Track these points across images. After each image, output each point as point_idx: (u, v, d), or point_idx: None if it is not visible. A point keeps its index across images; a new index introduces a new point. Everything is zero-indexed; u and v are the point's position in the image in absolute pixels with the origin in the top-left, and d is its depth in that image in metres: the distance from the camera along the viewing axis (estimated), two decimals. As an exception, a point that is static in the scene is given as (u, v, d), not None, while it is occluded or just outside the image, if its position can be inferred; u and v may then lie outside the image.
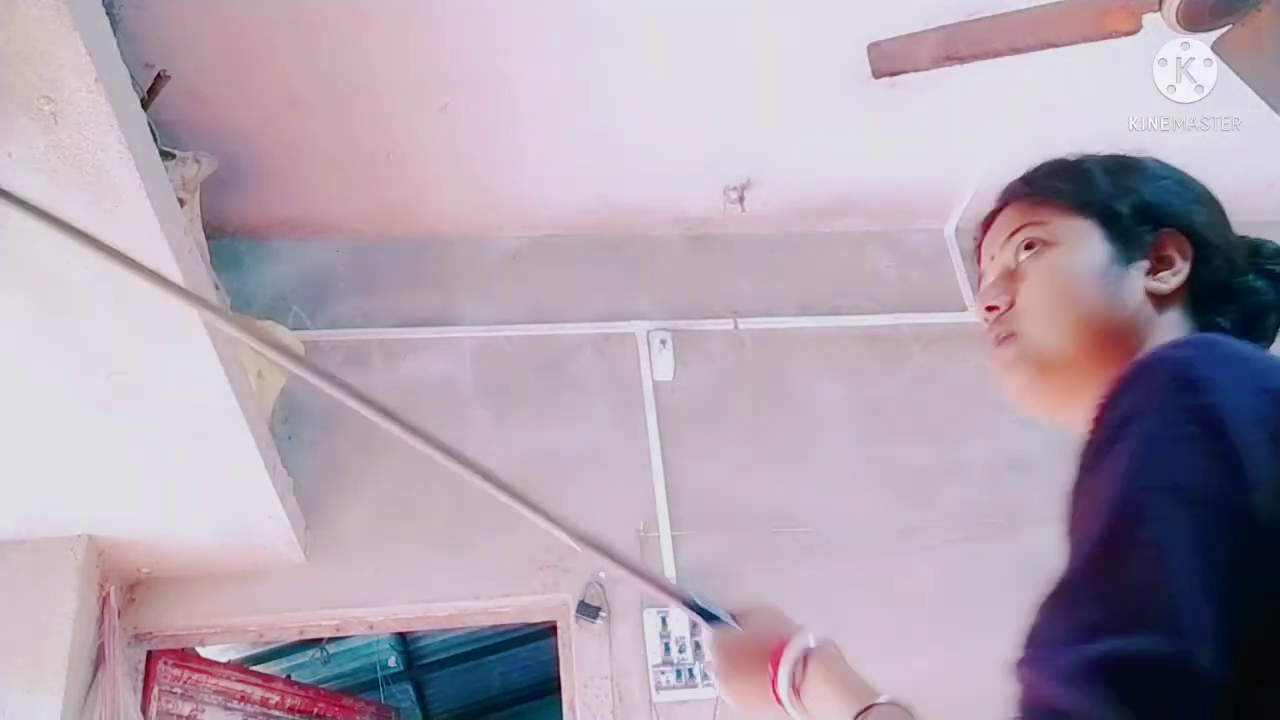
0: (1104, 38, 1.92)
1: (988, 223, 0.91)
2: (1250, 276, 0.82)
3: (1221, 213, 0.85)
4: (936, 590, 2.90)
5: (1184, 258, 0.80)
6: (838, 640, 0.99)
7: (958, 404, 3.28)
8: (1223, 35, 1.87)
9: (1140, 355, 0.68)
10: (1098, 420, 0.68)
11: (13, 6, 1.16)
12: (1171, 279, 0.79)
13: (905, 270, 3.56)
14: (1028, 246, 0.84)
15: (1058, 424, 0.83)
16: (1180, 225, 0.81)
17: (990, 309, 0.85)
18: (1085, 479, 0.66)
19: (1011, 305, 0.83)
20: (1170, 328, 0.78)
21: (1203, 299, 0.80)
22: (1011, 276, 0.85)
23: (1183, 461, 0.58)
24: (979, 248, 0.92)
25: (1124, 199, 0.83)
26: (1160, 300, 0.79)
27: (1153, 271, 0.80)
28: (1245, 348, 0.67)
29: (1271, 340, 0.84)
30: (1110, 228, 0.82)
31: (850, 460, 3.11)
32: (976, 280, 0.93)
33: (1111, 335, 0.77)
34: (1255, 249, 0.84)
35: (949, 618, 2.84)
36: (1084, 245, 0.81)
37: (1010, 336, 0.82)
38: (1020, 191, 0.89)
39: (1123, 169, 0.88)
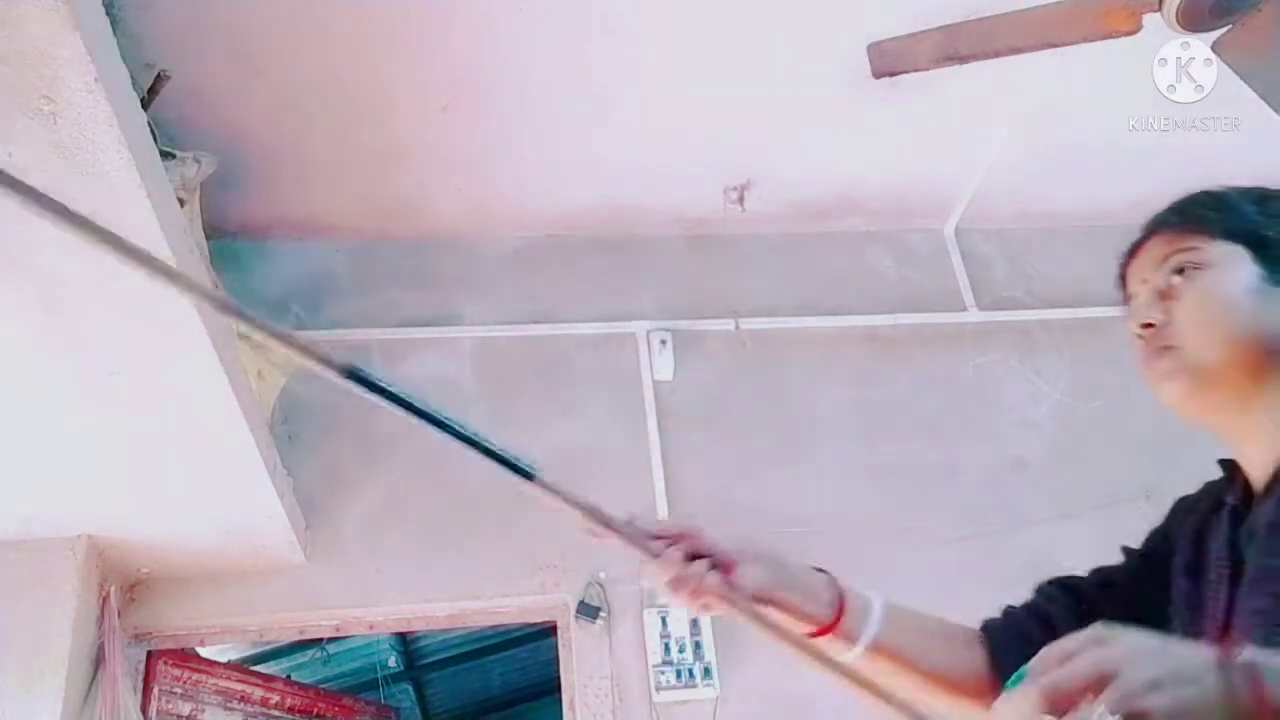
0: (1104, 38, 1.92)
1: (1134, 251, 0.99)
2: None
3: None
4: (936, 590, 2.88)
5: None
6: None
7: (958, 404, 3.29)
8: (1223, 35, 1.87)
9: None
10: None
11: (13, 6, 1.16)
12: None
13: (905, 270, 3.56)
14: (1179, 271, 0.91)
15: (1206, 427, 0.90)
16: None
17: (1147, 326, 0.93)
18: None
19: (1170, 318, 0.90)
20: None
21: None
22: (1166, 296, 0.92)
23: None
24: (1124, 275, 1.00)
25: (1271, 225, 0.90)
26: None
27: None
28: None
29: None
30: (1258, 250, 0.89)
31: (850, 460, 3.11)
32: (1125, 305, 1.01)
33: (1264, 348, 0.85)
34: None
35: (949, 618, 2.84)
36: (1235, 267, 0.89)
37: (1169, 349, 0.89)
38: (1169, 221, 0.95)
39: (1265, 198, 0.94)
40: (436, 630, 4.36)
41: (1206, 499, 0.96)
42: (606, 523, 0.89)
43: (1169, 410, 0.90)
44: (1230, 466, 0.93)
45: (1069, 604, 1.01)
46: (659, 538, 0.97)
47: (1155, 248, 0.95)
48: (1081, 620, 0.93)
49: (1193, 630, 0.87)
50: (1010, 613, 1.05)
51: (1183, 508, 1.01)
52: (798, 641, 0.84)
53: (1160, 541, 1.01)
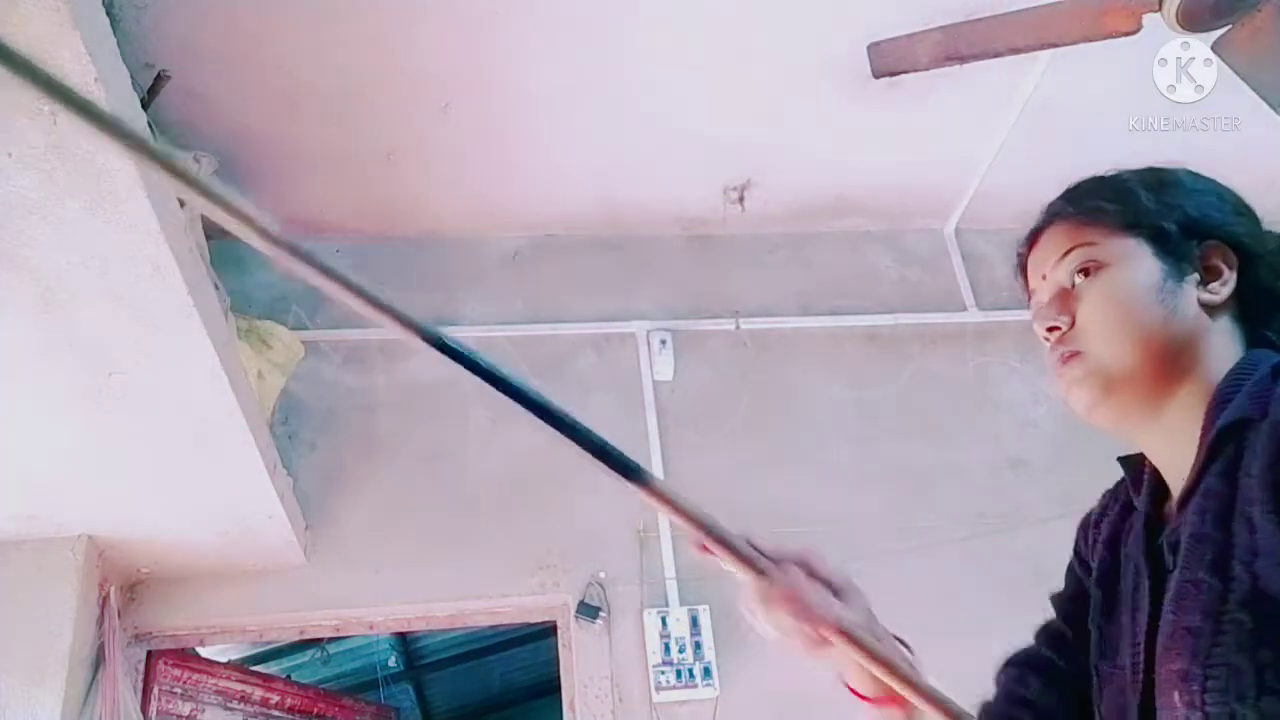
0: (1104, 38, 1.92)
1: (1032, 240, 0.95)
2: None
3: (1258, 221, 0.88)
4: (936, 590, 2.89)
5: (1230, 268, 0.84)
6: None
7: (958, 404, 3.29)
8: (1223, 35, 1.87)
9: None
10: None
11: (13, 6, 1.16)
12: (1221, 289, 0.83)
13: (905, 270, 3.56)
14: (1081, 270, 0.87)
15: (1121, 435, 0.86)
16: (1223, 236, 0.85)
17: (1052, 329, 0.87)
18: None
19: (1073, 325, 0.86)
20: (1223, 336, 0.83)
21: (1250, 306, 0.84)
22: (1068, 296, 0.87)
23: None
24: (1024, 265, 0.96)
25: (1169, 215, 0.86)
26: (1212, 310, 0.83)
27: (1203, 283, 0.83)
28: None
29: None
30: (1160, 245, 0.85)
31: (850, 460, 3.11)
32: (1026, 296, 0.96)
33: (1172, 348, 0.82)
34: None
35: (949, 618, 2.84)
36: (1137, 264, 0.84)
37: (1075, 355, 0.85)
38: (1065, 211, 0.91)
39: (1163, 185, 0.90)
40: (436, 630, 4.36)
41: (1115, 505, 0.93)
42: (718, 536, 0.75)
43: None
44: (1134, 466, 0.89)
45: (1040, 679, 0.96)
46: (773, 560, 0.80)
47: (1054, 239, 0.91)
48: (1059, 686, 0.92)
49: (1108, 641, 0.84)
50: (988, 707, 0.98)
51: (1087, 524, 0.98)
52: (932, 700, 0.77)
53: (1076, 575, 0.98)
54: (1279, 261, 0.85)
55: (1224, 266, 0.84)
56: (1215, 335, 0.82)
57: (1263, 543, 0.68)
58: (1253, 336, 0.83)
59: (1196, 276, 0.83)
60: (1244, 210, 0.89)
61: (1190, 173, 0.93)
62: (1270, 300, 0.84)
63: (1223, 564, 0.70)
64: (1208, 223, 0.86)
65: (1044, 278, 0.91)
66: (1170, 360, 0.81)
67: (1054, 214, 0.92)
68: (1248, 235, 0.86)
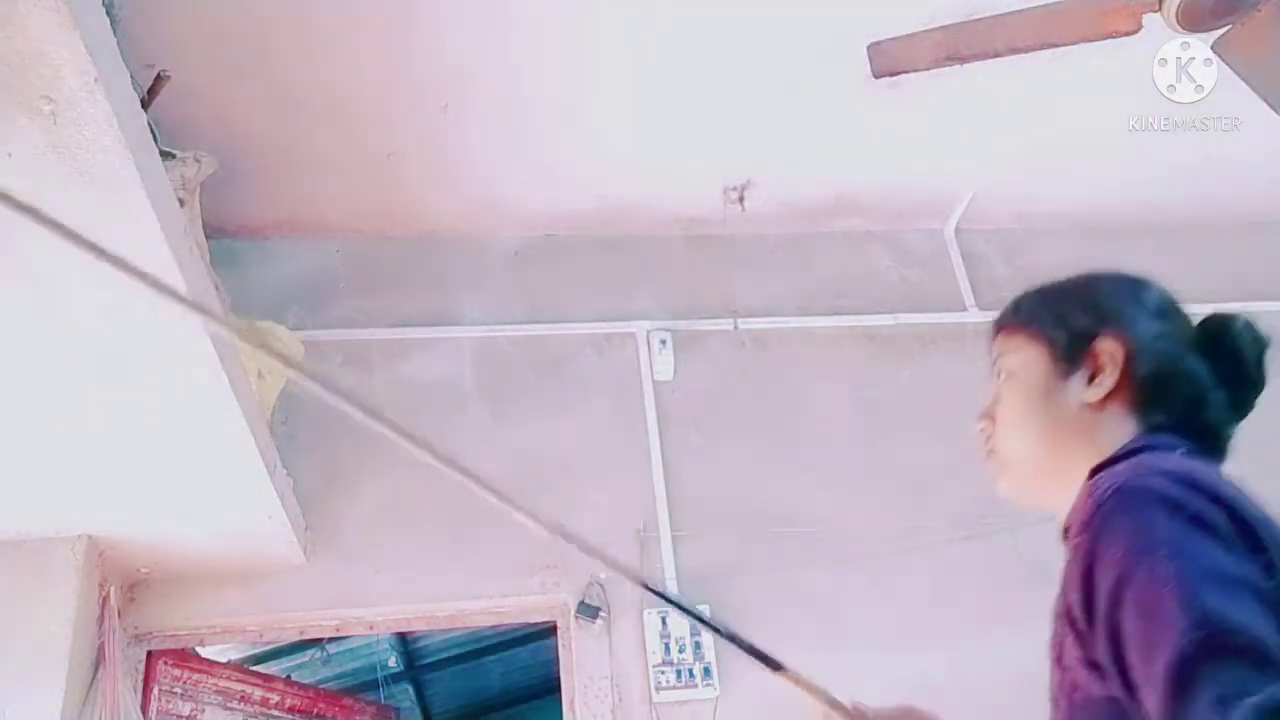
0: (1104, 38, 1.92)
1: (991, 339, 1.08)
2: (1188, 361, 0.94)
3: (1164, 312, 0.99)
4: (936, 590, 2.89)
5: (1115, 362, 0.94)
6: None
7: (958, 404, 3.25)
8: (1223, 35, 1.87)
9: (1103, 494, 0.80)
10: (1102, 551, 0.76)
11: (13, 6, 1.16)
12: (1104, 384, 0.93)
13: (905, 270, 3.56)
14: (1001, 375, 1.02)
15: (1044, 511, 0.98)
16: (1115, 331, 0.96)
17: (982, 429, 1.05)
18: (1128, 597, 0.72)
19: (993, 424, 1.02)
20: (1114, 422, 0.93)
21: (1143, 392, 0.93)
22: (994, 399, 1.03)
23: (1208, 555, 0.70)
24: (989, 354, 1.09)
25: (1061, 324, 0.99)
26: (1100, 403, 0.94)
27: (1091, 379, 0.95)
28: (1184, 465, 0.82)
29: (1221, 419, 0.97)
30: (1052, 351, 0.98)
31: (850, 460, 3.11)
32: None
33: (1060, 441, 0.94)
34: (1198, 332, 0.97)
35: (949, 618, 2.84)
36: (1032, 371, 0.99)
37: (992, 451, 1.02)
38: (1001, 320, 1.07)
39: (1065, 293, 1.04)
40: (436, 630, 4.36)
41: None
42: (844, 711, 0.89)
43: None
44: None
45: None
46: None
47: (995, 346, 1.06)
48: None
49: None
50: None
51: None
52: None
53: None
54: (1161, 352, 0.94)
55: (1109, 363, 0.94)
56: (1106, 422, 0.93)
57: (1068, 649, 0.79)
58: (1147, 420, 0.92)
59: (1085, 374, 0.95)
60: (1147, 301, 0.99)
61: (1096, 277, 1.05)
62: (1155, 387, 0.93)
63: (1058, 646, 0.83)
64: (1102, 320, 0.97)
65: (992, 371, 1.06)
66: (1060, 451, 0.94)
67: (997, 322, 1.07)
68: (1140, 326, 0.96)
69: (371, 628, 2.94)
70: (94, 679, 2.42)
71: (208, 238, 2.62)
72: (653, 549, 2.87)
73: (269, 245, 3.24)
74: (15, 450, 2.08)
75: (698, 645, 2.71)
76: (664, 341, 3.21)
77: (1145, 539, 0.73)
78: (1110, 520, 0.77)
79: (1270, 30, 1.80)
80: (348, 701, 4.04)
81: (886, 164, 3.33)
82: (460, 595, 2.81)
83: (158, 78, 2.32)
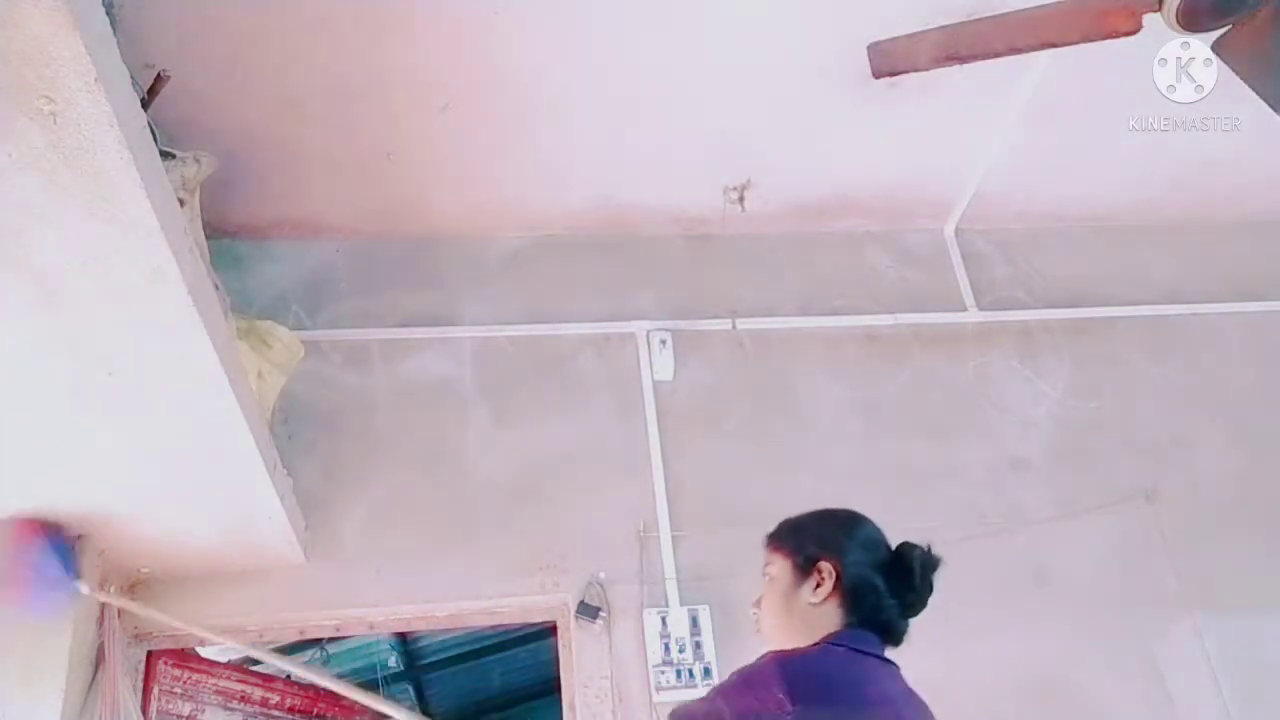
0: (1104, 38, 1.91)
1: (764, 548, 1.55)
2: (874, 580, 1.43)
3: (866, 545, 1.49)
4: (936, 590, 2.89)
5: (830, 576, 1.41)
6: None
7: (958, 404, 3.29)
8: (1223, 35, 1.87)
9: (765, 658, 1.32)
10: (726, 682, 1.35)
11: (13, 6, 1.16)
12: (820, 593, 1.41)
13: (905, 270, 3.56)
14: (765, 576, 1.50)
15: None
16: (832, 556, 1.44)
17: (754, 610, 1.52)
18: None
19: (759, 609, 1.49)
20: (828, 618, 1.40)
21: (846, 599, 1.41)
22: (761, 595, 1.50)
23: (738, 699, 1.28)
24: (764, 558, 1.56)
25: (803, 549, 1.47)
26: (819, 604, 1.41)
27: (815, 588, 1.42)
28: (819, 660, 1.33)
29: (894, 619, 1.45)
30: (794, 565, 1.46)
31: (850, 460, 3.11)
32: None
33: (793, 629, 1.40)
34: (889, 557, 1.48)
35: (949, 618, 2.83)
36: (782, 578, 1.47)
37: (760, 630, 1.48)
38: (770, 537, 1.55)
39: (813, 527, 1.53)
40: (436, 630, 4.35)
41: None
42: None
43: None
44: None
45: None
46: None
47: (765, 553, 1.53)
48: None
49: None
50: None
51: None
52: None
53: None
54: (858, 574, 1.43)
55: (827, 577, 1.41)
56: (823, 617, 1.39)
57: None
58: (847, 619, 1.39)
59: (810, 584, 1.42)
60: (856, 536, 1.50)
61: (841, 515, 1.55)
62: (853, 597, 1.41)
63: None
64: (824, 548, 1.45)
65: (761, 573, 1.52)
66: (792, 635, 1.39)
67: (767, 539, 1.56)
68: (848, 553, 1.45)
69: (371, 628, 2.93)
70: (94, 679, 2.42)
71: (208, 238, 2.62)
72: (653, 549, 2.87)
73: (269, 245, 3.24)
74: (15, 449, 2.08)
75: (698, 645, 2.71)
76: (664, 341, 3.21)
77: (736, 677, 1.32)
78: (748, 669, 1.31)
79: (1270, 30, 1.80)
80: (348, 701, 4.03)
81: (886, 164, 3.33)
82: (460, 595, 2.80)
83: (158, 78, 2.31)
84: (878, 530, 1.52)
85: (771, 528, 1.57)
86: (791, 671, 1.26)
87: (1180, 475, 3.20)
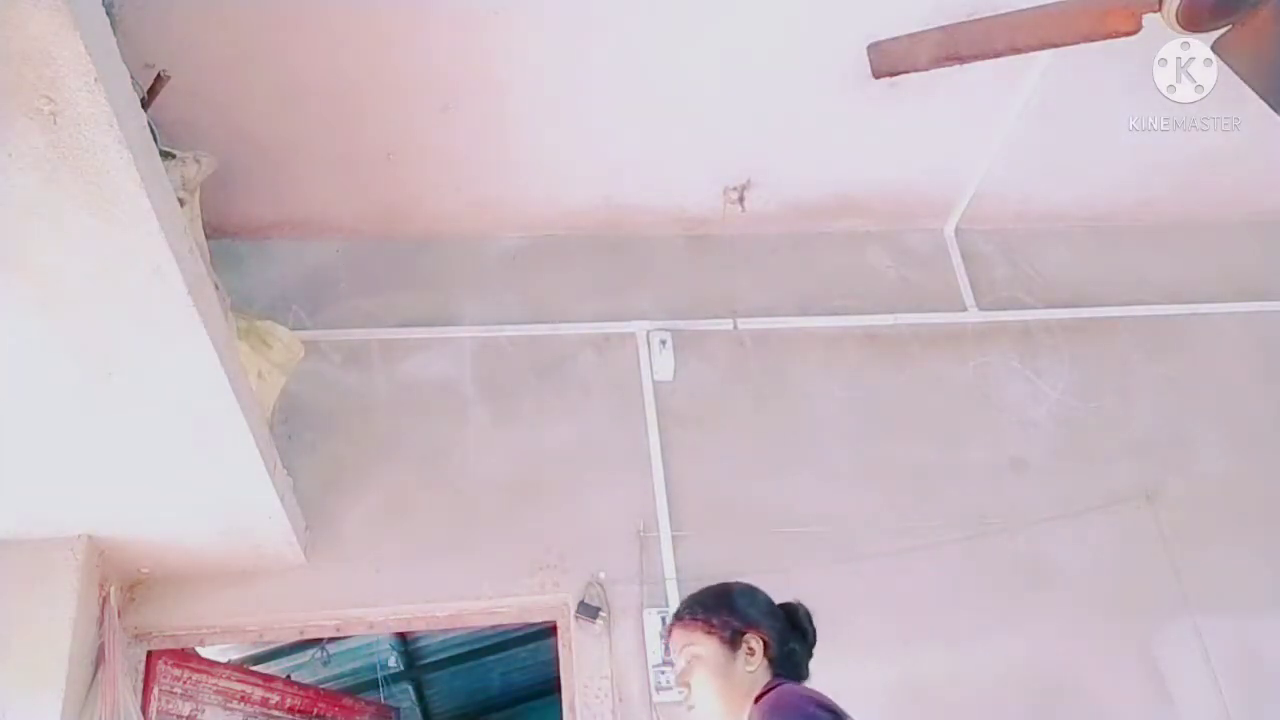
0: (1104, 38, 1.91)
1: (671, 628, 1.69)
2: (790, 641, 1.63)
3: (775, 614, 1.66)
4: (936, 590, 2.90)
5: (759, 645, 1.59)
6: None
7: (958, 404, 3.29)
8: (1223, 35, 1.87)
9: (765, 703, 1.49)
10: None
11: (13, 6, 1.16)
12: (753, 660, 1.58)
13: (905, 270, 3.56)
14: (689, 657, 1.61)
15: None
16: (755, 628, 1.61)
17: (680, 688, 1.64)
18: None
19: (689, 690, 1.60)
20: (760, 679, 1.55)
21: (775, 661, 1.59)
22: (684, 677, 1.62)
23: None
24: (668, 640, 1.73)
25: (727, 625, 1.61)
26: (754, 671, 1.57)
27: (747, 657, 1.58)
28: (808, 690, 1.51)
29: (803, 664, 1.63)
30: (722, 640, 1.60)
31: (850, 460, 3.11)
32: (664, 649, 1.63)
33: (735, 698, 1.55)
34: (788, 619, 1.65)
35: (949, 618, 2.84)
36: (711, 655, 1.59)
37: (693, 707, 1.60)
38: (683, 615, 1.67)
39: (723, 603, 1.65)
40: (436, 630, 4.36)
41: None
42: None
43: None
44: None
45: None
46: None
47: (678, 634, 1.65)
48: None
49: None
50: None
51: None
52: None
53: None
54: (779, 640, 1.61)
55: (757, 646, 1.58)
56: (756, 682, 1.55)
57: None
58: (774, 671, 1.57)
59: (742, 655, 1.58)
60: (771, 611, 1.66)
61: (740, 589, 1.68)
62: (780, 660, 1.60)
63: None
64: (749, 621, 1.61)
65: (679, 652, 1.64)
66: (735, 703, 1.54)
67: (678, 618, 1.68)
68: (769, 625, 1.62)
69: (371, 628, 2.93)
70: (94, 679, 2.42)
71: (208, 238, 2.62)
72: (653, 549, 2.87)
73: (269, 245, 3.24)
74: (15, 450, 2.08)
75: (698, 645, 2.71)
76: (664, 341, 3.21)
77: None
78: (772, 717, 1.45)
79: (1270, 30, 1.80)
80: (348, 701, 4.04)
81: (886, 164, 3.33)
82: (460, 595, 2.80)
83: (158, 78, 2.31)
84: (768, 596, 1.70)
85: (673, 612, 1.74)
86: (811, 695, 1.47)
87: (1180, 475, 3.20)
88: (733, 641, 1.59)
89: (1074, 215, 3.69)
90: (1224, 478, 3.21)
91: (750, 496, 2.98)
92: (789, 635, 1.64)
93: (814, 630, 1.67)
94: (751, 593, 1.68)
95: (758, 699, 1.51)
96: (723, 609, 1.64)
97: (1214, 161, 3.39)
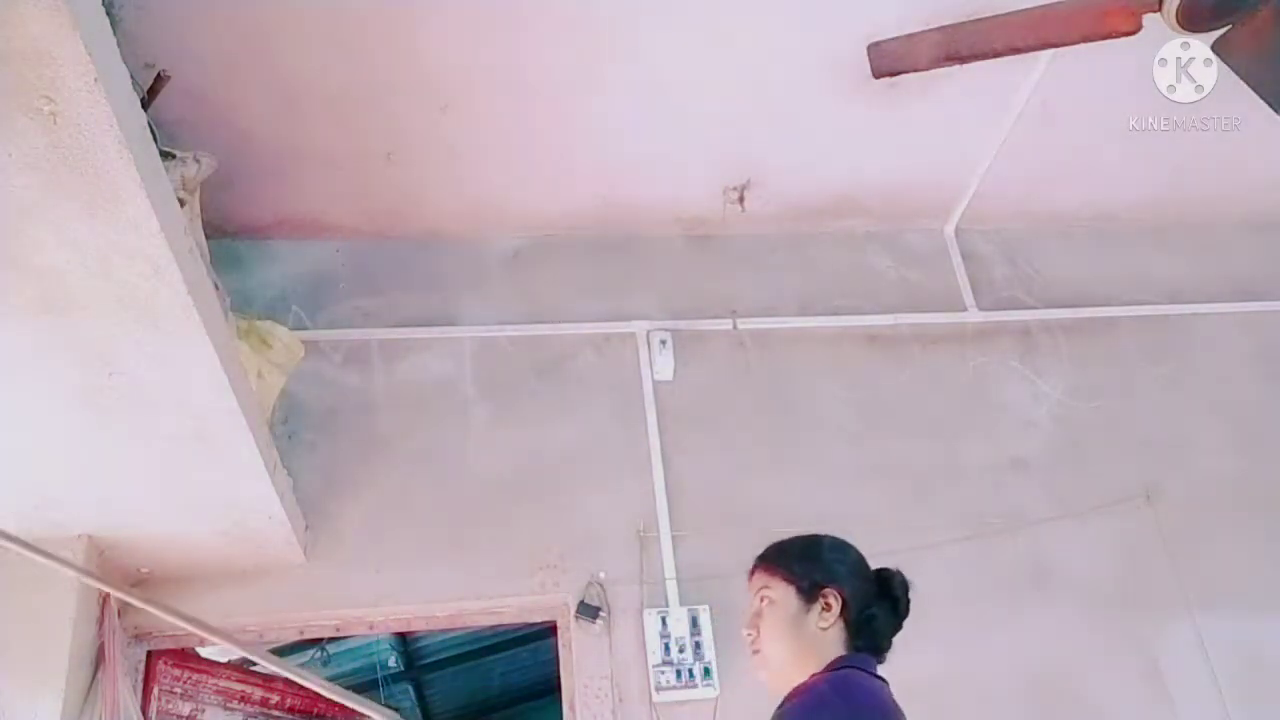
0: (1104, 38, 1.91)
1: (753, 570, 1.61)
2: (873, 606, 1.52)
3: (865, 575, 1.57)
4: (936, 590, 2.89)
5: (837, 604, 1.50)
6: None
7: (958, 404, 3.29)
8: (1223, 35, 1.87)
9: (807, 680, 1.42)
10: (792, 710, 1.39)
11: (13, 6, 1.16)
12: (828, 618, 1.49)
13: (905, 270, 3.56)
14: (764, 599, 1.55)
15: (778, 689, 1.46)
16: (836, 585, 1.52)
17: (749, 633, 1.56)
18: None
19: (758, 633, 1.54)
20: (833, 644, 1.48)
21: (852, 625, 1.50)
22: (758, 615, 1.55)
23: None
24: (751, 577, 1.62)
25: (807, 575, 1.54)
26: (826, 629, 1.49)
27: (822, 613, 1.50)
28: (859, 681, 1.43)
29: (887, 640, 1.54)
30: (799, 591, 1.53)
31: (850, 460, 3.11)
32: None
33: (801, 653, 1.48)
34: (879, 585, 1.56)
35: (949, 618, 2.84)
36: (786, 603, 1.53)
37: (757, 653, 1.54)
38: (766, 559, 1.61)
39: (808, 554, 1.58)
40: (436, 630, 4.35)
41: None
42: None
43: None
44: None
45: None
46: None
47: (758, 576, 1.59)
48: None
49: None
50: None
51: None
52: None
53: None
54: (861, 604, 1.51)
55: (834, 604, 1.50)
56: (828, 643, 1.48)
57: None
58: (852, 643, 1.49)
59: (818, 609, 1.50)
60: (856, 568, 1.57)
61: (834, 541, 1.60)
62: (860, 622, 1.50)
63: None
64: (829, 576, 1.53)
65: (752, 594, 1.58)
66: (800, 658, 1.47)
67: (761, 560, 1.61)
68: (851, 584, 1.53)
69: (371, 628, 2.93)
70: (94, 679, 2.42)
71: (208, 238, 2.62)
72: (653, 549, 2.87)
73: (269, 245, 3.24)
74: (15, 450, 2.08)
75: (698, 645, 2.71)
76: (664, 341, 3.21)
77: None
78: (794, 709, 1.38)
79: (1270, 30, 1.80)
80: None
81: (886, 164, 3.33)
82: (460, 595, 2.80)
83: (158, 78, 2.31)
84: (862, 556, 1.60)
85: (761, 550, 1.63)
86: (855, 702, 1.39)
87: (1180, 475, 3.20)
88: (810, 594, 1.51)
89: (1074, 215, 3.69)
90: (1224, 478, 3.21)
91: (750, 496, 2.98)
92: (873, 600, 1.54)
93: (907, 602, 1.57)
94: (843, 548, 1.59)
95: (827, 667, 1.44)
96: (807, 559, 1.57)
97: (1214, 161, 3.39)
